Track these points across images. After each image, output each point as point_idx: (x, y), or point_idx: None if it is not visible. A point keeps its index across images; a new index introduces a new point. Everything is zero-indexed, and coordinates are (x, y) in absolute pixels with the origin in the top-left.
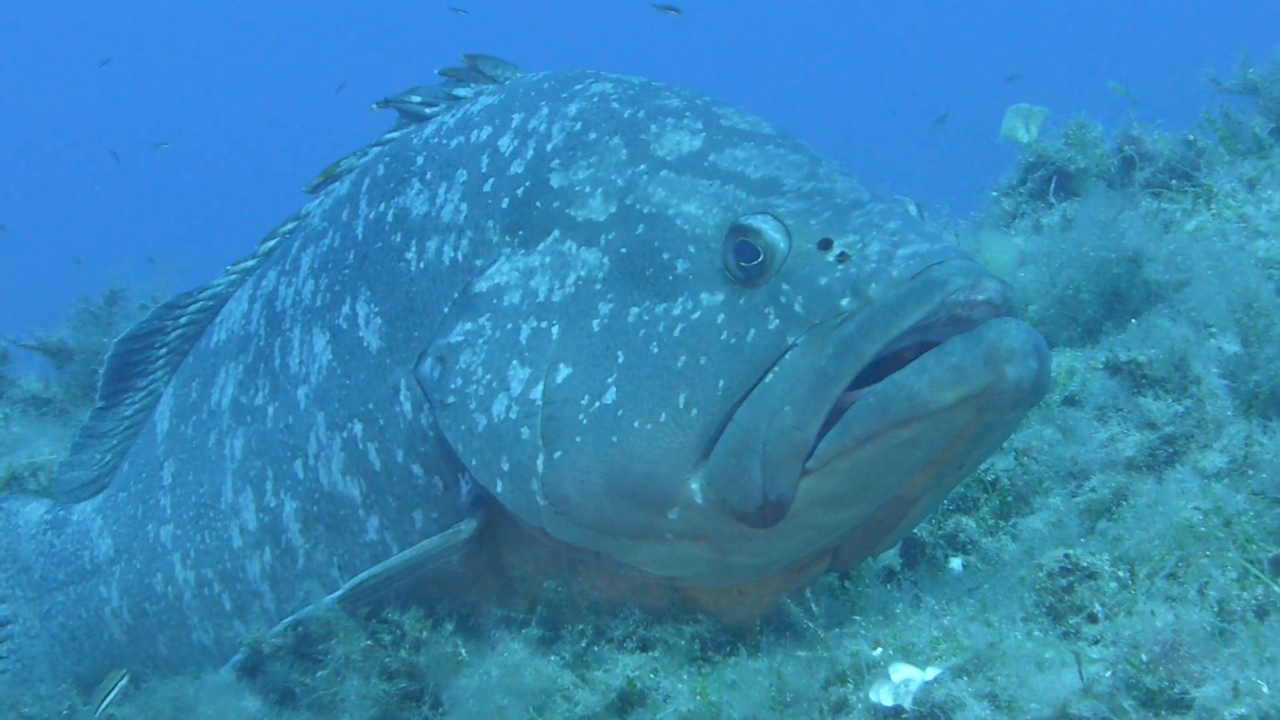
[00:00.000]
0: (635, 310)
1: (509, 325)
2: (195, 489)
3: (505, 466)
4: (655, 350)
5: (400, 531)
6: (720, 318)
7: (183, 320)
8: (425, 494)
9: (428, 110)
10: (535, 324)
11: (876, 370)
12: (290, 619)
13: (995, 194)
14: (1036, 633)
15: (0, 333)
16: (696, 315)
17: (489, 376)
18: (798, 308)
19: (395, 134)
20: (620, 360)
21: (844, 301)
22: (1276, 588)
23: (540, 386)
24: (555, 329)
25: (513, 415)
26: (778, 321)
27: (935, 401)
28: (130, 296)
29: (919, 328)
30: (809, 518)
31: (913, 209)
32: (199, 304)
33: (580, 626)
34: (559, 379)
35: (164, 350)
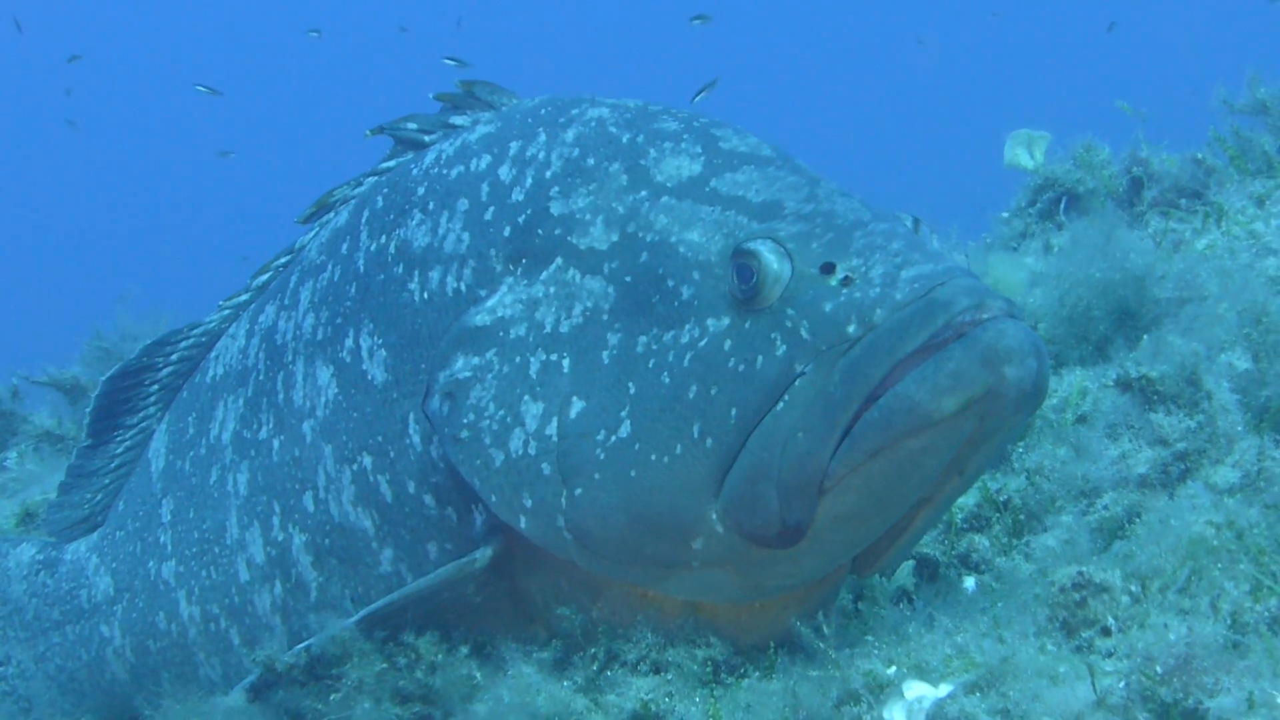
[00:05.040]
0: (643, 339)
1: (517, 359)
2: (197, 525)
3: (528, 503)
4: (666, 381)
5: (415, 563)
6: (728, 344)
7: (174, 357)
8: (439, 525)
9: (425, 138)
10: (545, 357)
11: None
12: (305, 644)
13: (1005, 215)
14: (1050, 647)
15: (12, 370)
16: (704, 343)
17: (502, 412)
18: (804, 334)
19: (391, 163)
20: (632, 392)
21: (850, 329)
22: None
23: (555, 421)
24: (565, 361)
25: (531, 451)
26: (785, 348)
27: (937, 410)
28: (143, 334)
29: (927, 347)
30: (831, 535)
31: (908, 221)
32: (191, 340)
33: (593, 650)
34: (573, 413)
35: (155, 387)
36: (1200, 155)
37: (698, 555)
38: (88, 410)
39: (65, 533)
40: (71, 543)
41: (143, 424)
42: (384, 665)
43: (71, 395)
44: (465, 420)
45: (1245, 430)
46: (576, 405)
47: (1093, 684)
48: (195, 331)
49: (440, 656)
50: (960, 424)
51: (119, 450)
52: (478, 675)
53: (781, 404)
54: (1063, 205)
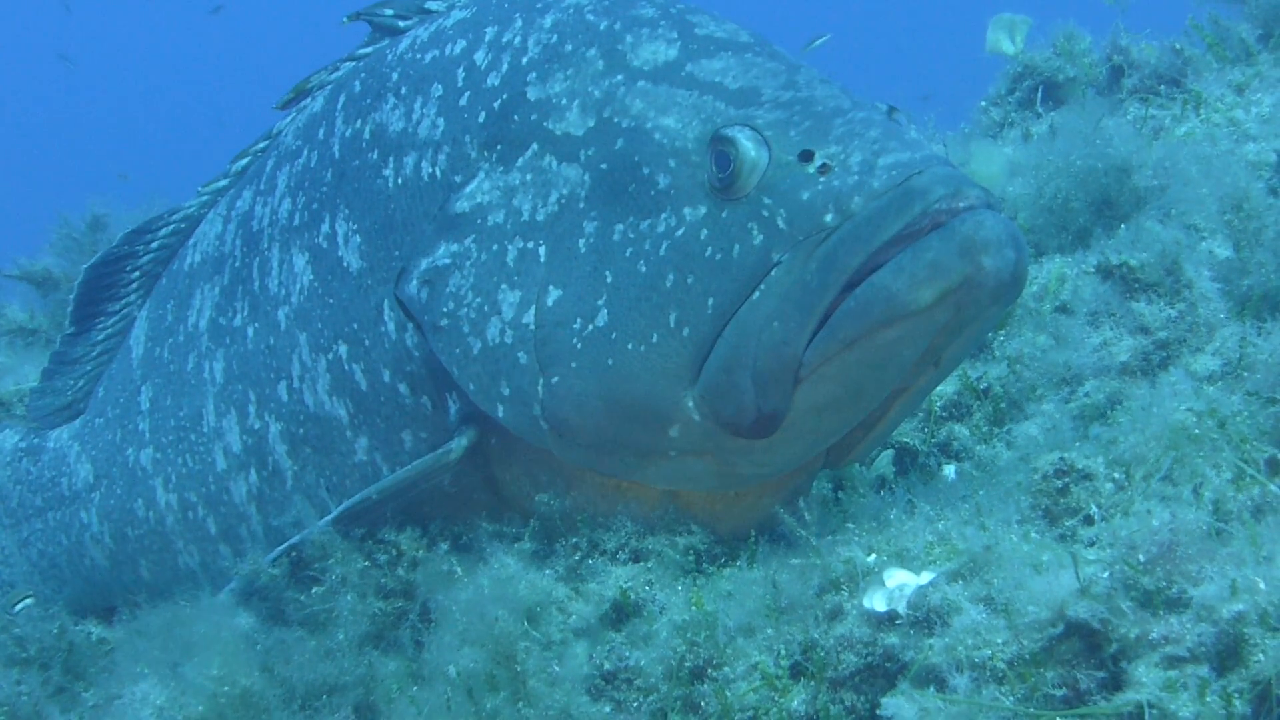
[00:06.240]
0: (620, 228)
1: (495, 247)
2: (174, 413)
3: (505, 391)
4: (643, 269)
5: (389, 452)
6: (704, 233)
7: (154, 244)
8: (413, 413)
9: (401, 24)
10: (522, 245)
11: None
12: (285, 545)
13: (984, 104)
14: (1033, 535)
15: None
16: (681, 232)
17: (479, 300)
18: (780, 223)
19: (368, 49)
20: (609, 281)
21: (827, 218)
22: (1273, 487)
23: (532, 310)
24: (542, 250)
25: (507, 340)
26: (762, 237)
27: (914, 300)
28: (112, 222)
29: (903, 236)
30: (806, 424)
31: (882, 108)
32: (171, 227)
33: (574, 540)
34: (550, 302)
35: (136, 274)
36: (1178, 45)
37: (674, 444)
38: (71, 297)
39: (48, 419)
40: (54, 430)
41: (124, 311)
42: (365, 563)
43: (44, 288)
44: (445, 308)
45: (1227, 318)
46: (553, 294)
47: (1076, 572)
48: (175, 217)
49: (421, 552)
50: (936, 314)
51: (101, 337)
52: (458, 569)
53: (758, 293)
54: (1040, 95)
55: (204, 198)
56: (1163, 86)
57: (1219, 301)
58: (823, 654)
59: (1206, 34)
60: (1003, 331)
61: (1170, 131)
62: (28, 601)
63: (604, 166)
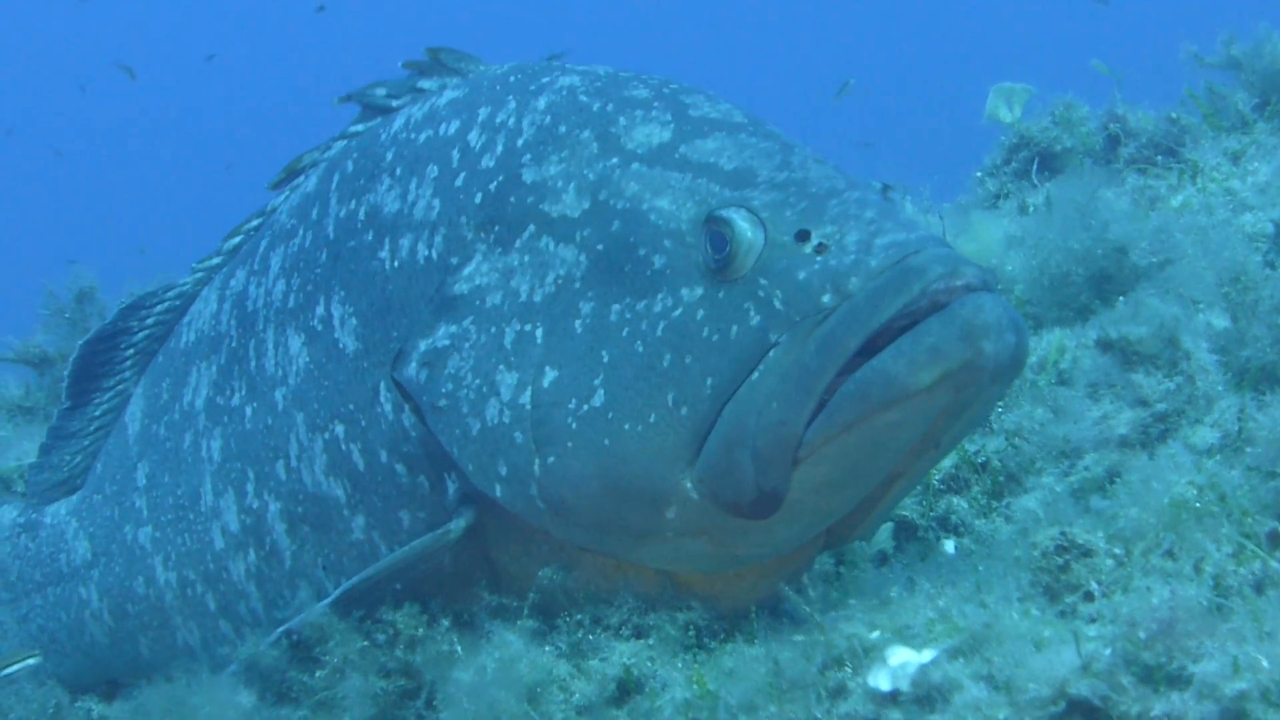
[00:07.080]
0: (616, 308)
1: (493, 329)
2: (172, 490)
3: (503, 471)
4: (640, 350)
5: (387, 531)
6: (701, 314)
7: (149, 320)
8: (411, 494)
9: (394, 104)
10: (519, 326)
11: (875, 343)
12: (283, 628)
13: (979, 175)
14: (1033, 612)
15: None
16: (678, 312)
17: (478, 381)
18: (778, 304)
19: (360, 127)
20: (605, 361)
21: (824, 298)
22: (1274, 562)
23: (529, 390)
24: (539, 331)
25: (505, 420)
26: (759, 318)
27: (914, 383)
28: (99, 295)
29: (901, 316)
30: (805, 505)
31: (877, 186)
32: (165, 304)
33: (578, 616)
34: (545, 382)
35: (131, 351)
36: (1175, 114)
37: (671, 524)
38: (66, 373)
39: (45, 495)
40: (51, 505)
41: (119, 387)
42: (365, 643)
43: (40, 367)
44: (444, 389)
45: (1225, 390)
46: (549, 374)
47: (1078, 650)
48: (169, 295)
49: (421, 630)
50: (936, 397)
51: (98, 413)
52: (459, 649)
53: (756, 373)
54: (1036, 166)
55: (198, 274)
56: (1159, 156)
57: (1217, 374)
58: None
59: (1202, 103)
60: (1001, 404)
61: (1166, 201)
62: (30, 662)
63: (600, 248)
